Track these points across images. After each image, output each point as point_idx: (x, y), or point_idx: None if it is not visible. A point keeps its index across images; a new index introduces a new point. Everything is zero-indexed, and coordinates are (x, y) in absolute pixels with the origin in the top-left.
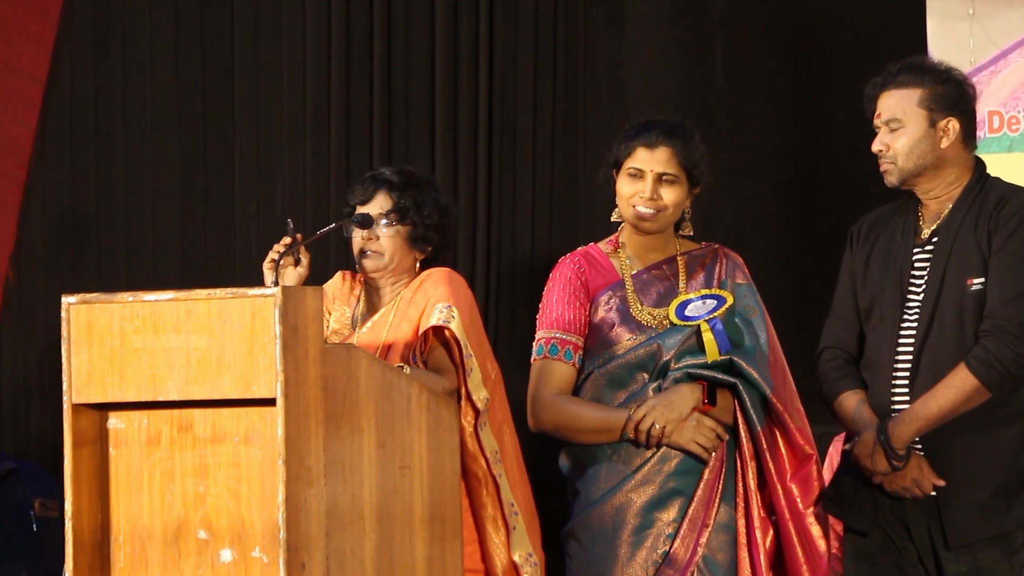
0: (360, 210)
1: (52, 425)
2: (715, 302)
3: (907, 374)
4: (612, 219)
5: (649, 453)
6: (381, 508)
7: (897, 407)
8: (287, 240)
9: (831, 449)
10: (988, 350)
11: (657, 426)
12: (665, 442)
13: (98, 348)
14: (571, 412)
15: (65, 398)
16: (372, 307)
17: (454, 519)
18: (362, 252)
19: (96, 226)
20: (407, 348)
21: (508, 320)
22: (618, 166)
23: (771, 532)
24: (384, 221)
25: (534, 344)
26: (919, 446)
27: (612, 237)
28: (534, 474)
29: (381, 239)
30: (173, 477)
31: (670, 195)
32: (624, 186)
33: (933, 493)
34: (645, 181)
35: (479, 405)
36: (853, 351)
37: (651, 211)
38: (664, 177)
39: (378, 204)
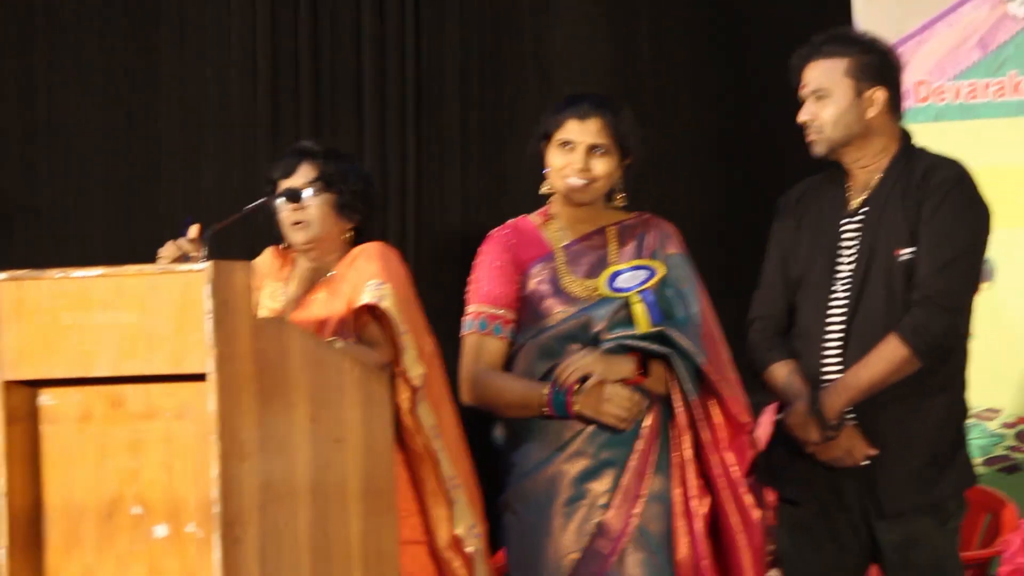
0: (284, 183)
1: None
2: (646, 273)
3: (838, 344)
4: (542, 191)
5: (581, 425)
6: (315, 482)
7: (828, 377)
8: (189, 237)
9: (762, 419)
10: (918, 320)
11: (585, 370)
12: (578, 410)
13: (28, 325)
14: (495, 387)
15: None
16: (303, 283)
17: (388, 492)
18: (291, 225)
19: (20, 207)
20: (340, 324)
21: (439, 294)
22: (547, 138)
23: (708, 501)
24: (310, 190)
25: (464, 319)
26: (851, 416)
27: (542, 209)
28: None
29: (309, 208)
30: (106, 453)
31: (601, 166)
32: (555, 158)
33: (866, 463)
34: (576, 152)
35: (415, 382)
36: (783, 321)
37: (582, 182)
38: (595, 148)
39: (302, 175)
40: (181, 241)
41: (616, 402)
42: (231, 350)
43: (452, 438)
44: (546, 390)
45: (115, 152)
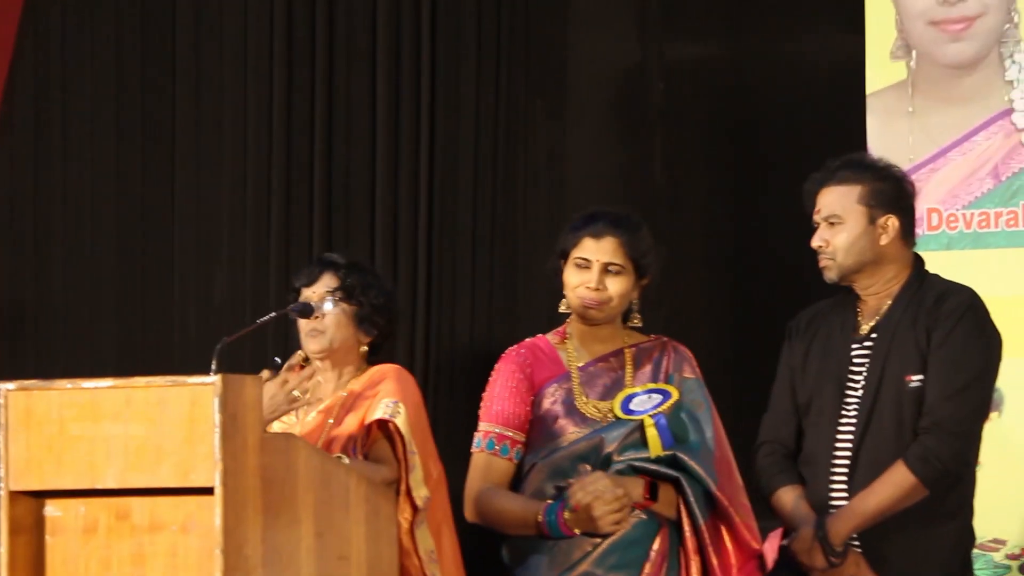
0: (305, 292)
1: None
2: (660, 397)
3: (845, 470)
4: (560, 310)
5: (590, 546)
6: None
7: (835, 503)
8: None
9: (767, 544)
10: (926, 447)
11: (599, 490)
12: (585, 528)
13: (36, 435)
14: (497, 506)
15: (1, 485)
16: (317, 396)
17: None
18: (307, 332)
19: (34, 313)
20: (350, 440)
21: (447, 413)
22: (565, 256)
23: None
24: (329, 300)
25: (475, 435)
26: (856, 543)
27: (560, 328)
28: (477, 570)
29: (326, 317)
30: (110, 566)
31: (616, 285)
32: (571, 276)
33: None
34: (591, 271)
35: (418, 503)
36: (791, 446)
37: (596, 300)
38: (610, 267)
39: (324, 284)
40: (288, 377)
41: (604, 510)
42: (238, 464)
43: (449, 566)
44: (541, 512)
45: (128, 260)
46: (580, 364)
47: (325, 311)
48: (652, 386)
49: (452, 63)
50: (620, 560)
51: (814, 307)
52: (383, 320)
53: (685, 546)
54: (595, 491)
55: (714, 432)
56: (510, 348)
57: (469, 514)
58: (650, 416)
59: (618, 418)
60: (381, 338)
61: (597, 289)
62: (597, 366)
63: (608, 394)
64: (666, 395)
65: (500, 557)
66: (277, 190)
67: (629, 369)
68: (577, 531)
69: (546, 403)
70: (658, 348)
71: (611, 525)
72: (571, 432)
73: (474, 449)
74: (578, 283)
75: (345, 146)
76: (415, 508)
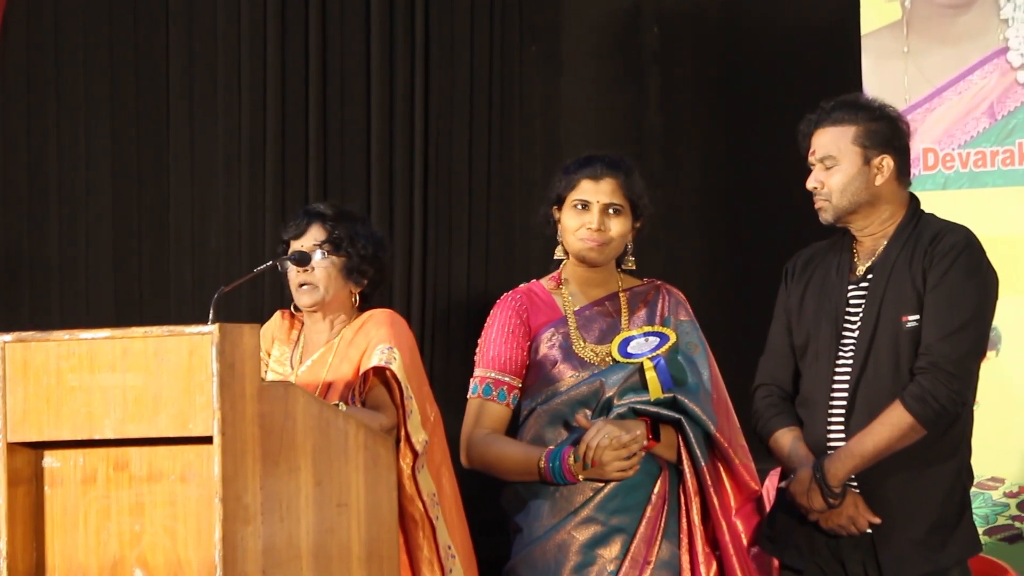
0: (294, 244)
1: None
2: (658, 339)
3: (843, 411)
4: (556, 256)
5: (591, 491)
6: (318, 546)
7: (833, 444)
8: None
9: (766, 484)
10: (923, 387)
11: (606, 439)
12: (591, 475)
13: (34, 386)
14: (495, 452)
15: (0, 436)
16: (311, 346)
17: (391, 557)
18: (298, 286)
19: (28, 264)
20: (347, 388)
21: (443, 358)
22: (560, 201)
23: (715, 567)
24: (319, 253)
25: (471, 381)
26: (855, 484)
27: (555, 274)
28: (473, 513)
29: (316, 271)
30: (109, 516)
31: (616, 226)
32: (570, 219)
33: (869, 531)
34: (591, 212)
35: (418, 447)
36: (788, 388)
37: (598, 241)
38: (611, 207)
39: (312, 237)
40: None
41: (612, 456)
42: (236, 413)
43: (450, 508)
44: (544, 458)
45: (124, 211)
46: (576, 308)
47: (315, 266)
48: (649, 329)
49: (446, 9)
50: (622, 504)
51: (810, 249)
52: (373, 269)
53: (686, 487)
54: (605, 436)
55: (710, 373)
56: (505, 294)
57: (466, 460)
58: (649, 359)
59: (616, 361)
60: (372, 287)
61: (599, 230)
62: (593, 310)
63: (605, 338)
64: (663, 338)
65: (498, 501)
66: (272, 139)
67: (624, 313)
68: (581, 477)
69: (543, 348)
70: (652, 291)
71: (618, 472)
72: (570, 376)
73: (470, 395)
74: (578, 225)
75: (339, 94)
76: (415, 453)
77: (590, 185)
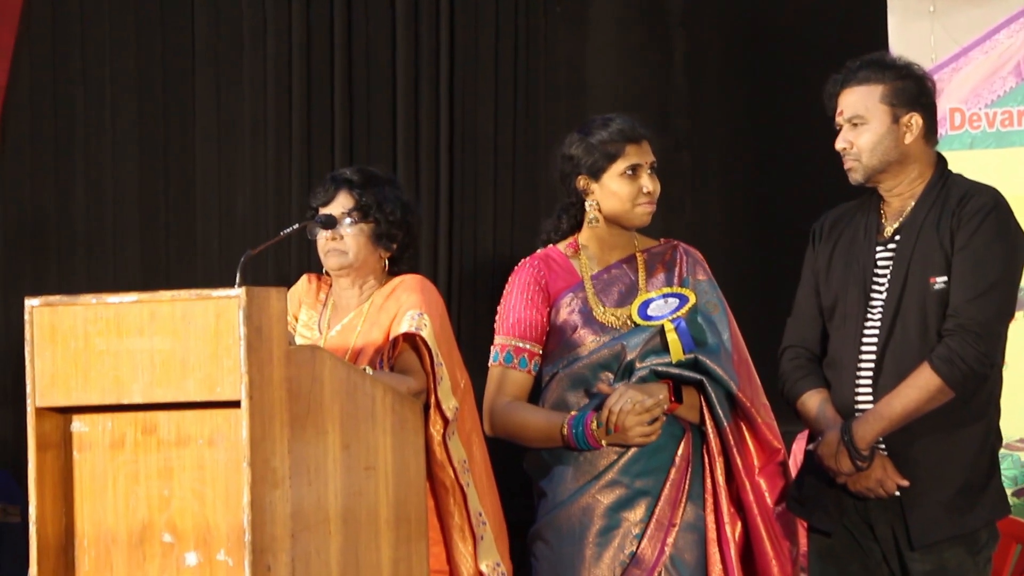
0: (323, 211)
1: (14, 429)
2: (677, 301)
3: (870, 373)
4: (588, 222)
5: (615, 455)
6: (346, 510)
7: (861, 407)
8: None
9: (794, 447)
10: (951, 349)
11: (629, 404)
12: (614, 439)
13: (62, 351)
14: (518, 419)
15: (29, 401)
16: (340, 310)
17: (419, 520)
18: (327, 252)
19: (56, 230)
20: (376, 353)
21: (471, 322)
22: (601, 171)
23: (740, 527)
24: (348, 220)
25: (492, 349)
26: (883, 446)
27: (572, 239)
28: (499, 478)
29: (345, 238)
30: (137, 480)
31: (657, 184)
32: (622, 187)
33: (897, 493)
34: (642, 176)
35: (448, 414)
36: (816, 350)
37: (654, 205)
38: (653, 165)
39: (340, 203)
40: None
41: (634, 420)
42: (264, 377)
43: (481, 474)
44: (566, 425)
45: (150, 176)
46: (594, 272)
47: (344, 233)
48: (668, 290)
49: None
50: (646, 467)
51: (837, 209)
52: (402, 233)
53: (709, 448)
54: (628, 401)
55: (731, 333)
56: (523, 260)
57: (489, 429)
58: (670, 320)
59: (636, 324)
60: (401, 250)
61: (653, 192)
62: (611, 273)
63: (624, 301)
64: (683, 299)
65: (522, 471)
66: (298, 104)
67: (642, 274)
68: (604, 443)
69: (563, 313)
70: (669, 251)
71: (641, 437)
72: (590, 341)
73: (491, 363)
74: (634, 192)
75: (365, 59)
76: (446, 420)
77: (635, 149)
